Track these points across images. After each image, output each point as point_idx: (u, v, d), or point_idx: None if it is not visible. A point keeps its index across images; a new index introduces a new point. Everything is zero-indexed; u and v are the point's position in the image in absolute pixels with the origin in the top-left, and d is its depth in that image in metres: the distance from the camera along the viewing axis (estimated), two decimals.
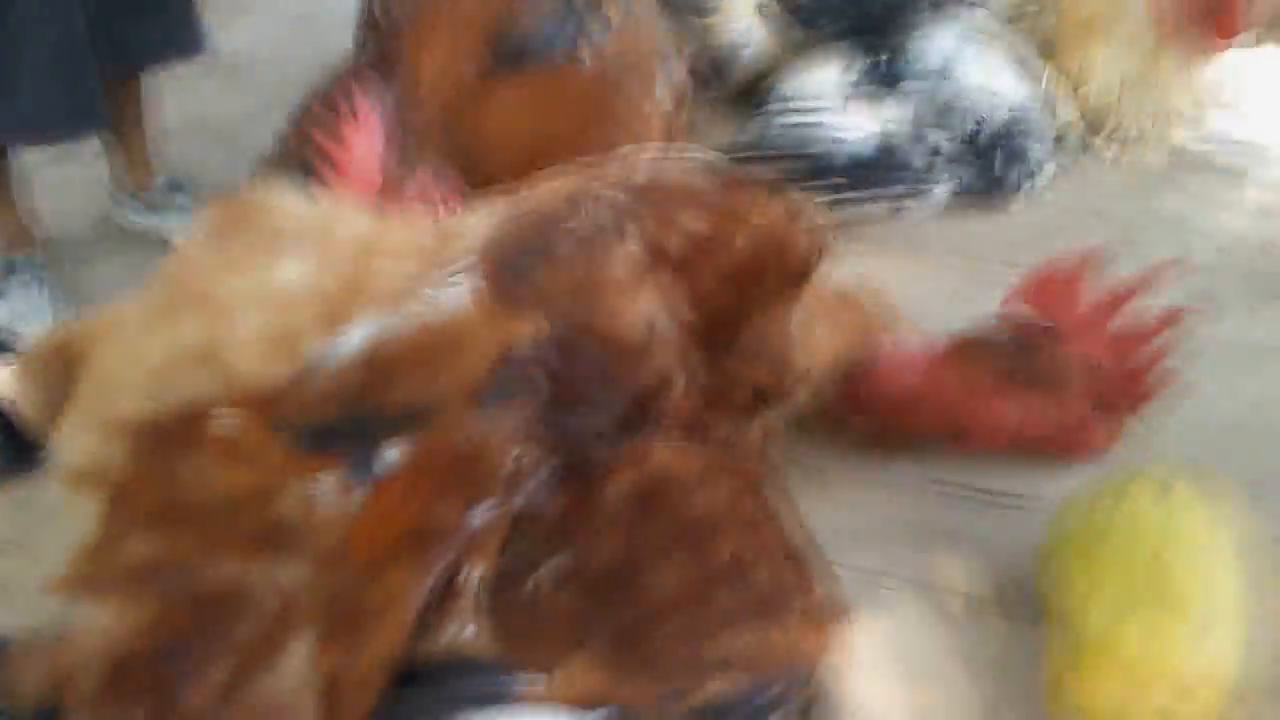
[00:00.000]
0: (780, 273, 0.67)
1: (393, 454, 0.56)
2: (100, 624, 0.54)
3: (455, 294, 0.58)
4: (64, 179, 2.92)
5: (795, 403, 0.69)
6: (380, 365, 0.57)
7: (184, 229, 2.39)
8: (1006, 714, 0.59)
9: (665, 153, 0.77)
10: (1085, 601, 0.56)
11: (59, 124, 2.21)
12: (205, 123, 3.13)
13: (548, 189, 0.67)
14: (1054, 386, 0.68)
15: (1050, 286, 0.68)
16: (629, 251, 0.62)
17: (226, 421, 0.56)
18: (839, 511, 0.68)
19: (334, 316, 0.58)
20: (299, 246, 0.61)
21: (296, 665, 0.54)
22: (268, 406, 0.56)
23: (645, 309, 0.61)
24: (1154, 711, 0.54)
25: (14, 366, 0.73)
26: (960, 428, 0.70)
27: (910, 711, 0.60)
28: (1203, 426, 0.73)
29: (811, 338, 0.70)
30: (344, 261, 0.60)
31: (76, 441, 0.59)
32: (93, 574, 0.56)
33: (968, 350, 0.70)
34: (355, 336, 0.57)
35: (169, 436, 0.56)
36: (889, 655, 0.61)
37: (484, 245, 0.60)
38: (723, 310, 0.65)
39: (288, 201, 0.69)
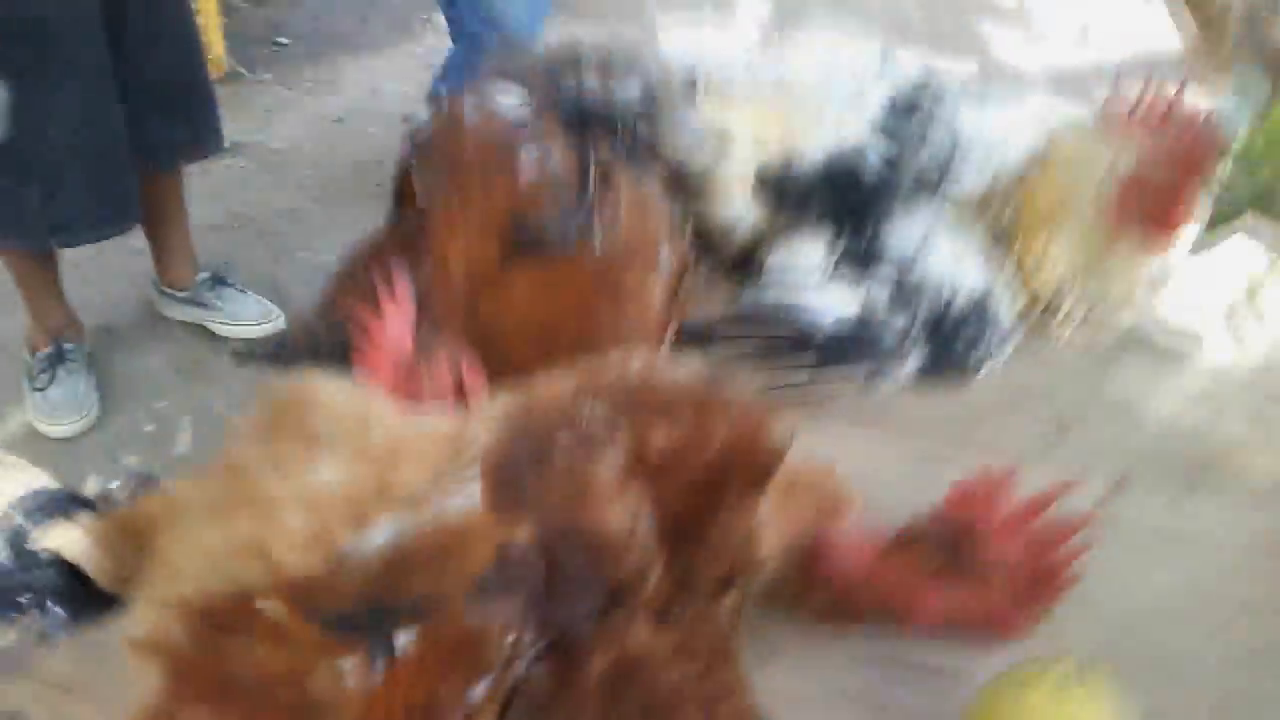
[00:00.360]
0: (747, 477, 0.78)
1: (406, 638, 0.66)
2: None
3: (462, 500, 0.70)
4: (109, 268, 3.09)
5: (755, 583, 0.79)
6: (397, 561, 0.68)
7: (227, 324, 2.56)
8: None
9: (653, 359, 0.88)
10: None
11: (96, 226, 2.38)
12: (249, 218, 3.30)
13: (546, 395, 0.78)
14: (978, 579, 0.78)
15: (976, 494, 0.78)
16: (613, 461, 0.73)
17: (270, 608, 0.67)
18: (790, 679, 0.78)
19: (361, 518, 0.69)
20: (335, 450, 0.73)
21: None
22: (305, 595, 0.67)
23: (626, 512, 0.72)
24: None
25: (87, 531, 0.85)
26: (899, 610, 0.80)
27: None
28: (1117, 611, 0.83)
29: (771, 525, 0.81)
30: (373, 466, 0.72)
31: (143, 616, 0.71)
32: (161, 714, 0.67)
33: (907, 542, 0.80)
34: (378, 536, 0.69)
35: (221, 618, 0.67)
36: None
37: (487, 456, 0.71)
38: (694, 509, 0.76)
39: (327, 395, 0.81)
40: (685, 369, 0.82)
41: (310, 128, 3.87)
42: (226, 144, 3.05)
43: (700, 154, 1.16)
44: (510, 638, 0.67)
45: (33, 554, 0.86)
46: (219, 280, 2.59)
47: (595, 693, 0.69)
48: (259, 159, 3.57)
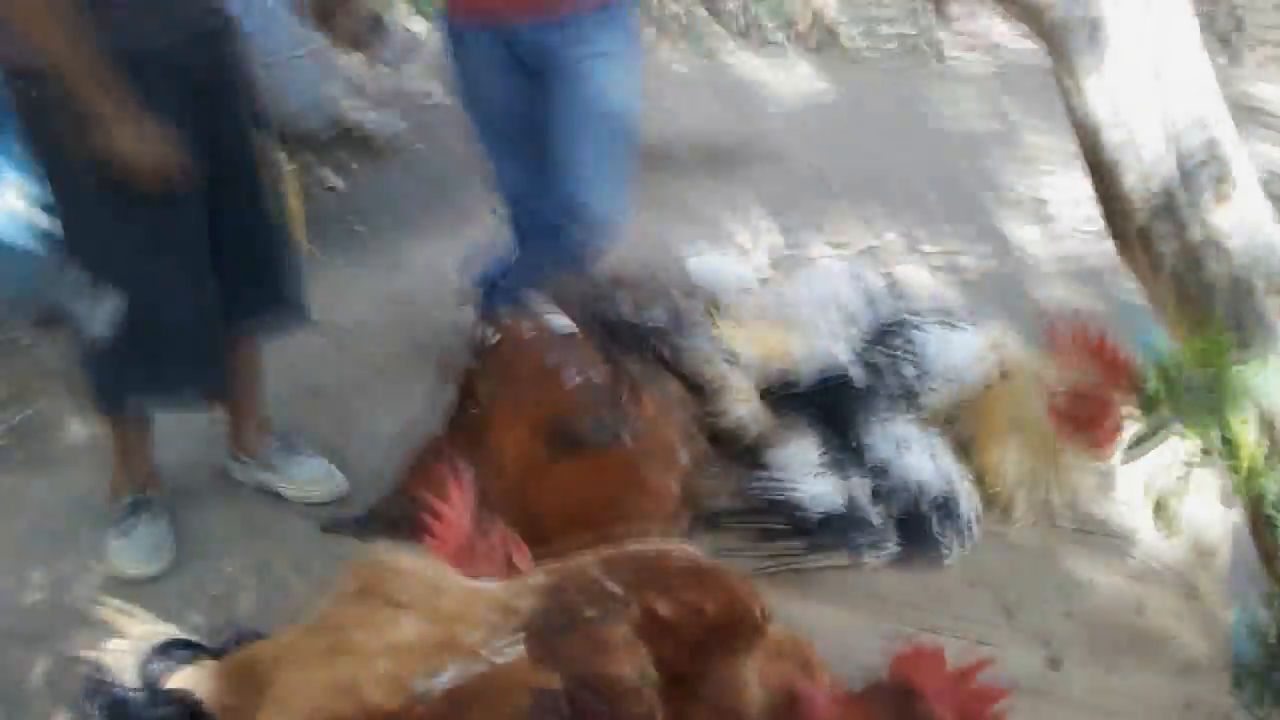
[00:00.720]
0: (735, 642, 0.97)
1: None
2: None
3: (509, 654, 0.90)
4: (183, 429, 3.38)
5: None
6: (458, 700, 0.88)
7: (293, 489, 2.79)
8: None
9: (663, 541, 1.09)
10: None
11: (189, 394, 2.66)
12: (319, 391, 3.60)
13: (575, 571, 0.99)
14: None
15: (920, 660, 0.97)
16: (625, 626, 0.93)
17: None
18: None
19: (432, 665, 0.90)
20: (411, 611, 0.94)
21: None
22: None
23: (635, 666, 0.92)
24: None
25: (206, 671, 1.06)
26: None
27: None
28: None
29: (756, 682, 1.00)
30: (441, 625, 0.93)
31: None
32: None
33: (864, 697, 0.99)
34: (443, 679, 0.89)
35: None
36: None
37: (528, 621, 0.92)
38: (692, 664, 0.96)
39: (405, 564, 1.02)
40: (688, 550, 1.03)
41: (377, 307, 4.19)
42: None
43: (714, 369, 1.39)
44: None
45: (162, 692, 1.08)
46: (287, 446, 2.77)
47: None
48: (330, 336, 3.87)
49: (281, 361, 3.65)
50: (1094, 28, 1.37)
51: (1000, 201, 5.07)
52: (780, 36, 7.83)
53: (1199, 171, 1.37)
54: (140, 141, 2.15)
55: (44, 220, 3.29)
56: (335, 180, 5.20)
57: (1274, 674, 1.30)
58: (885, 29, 8.55)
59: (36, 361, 3.69)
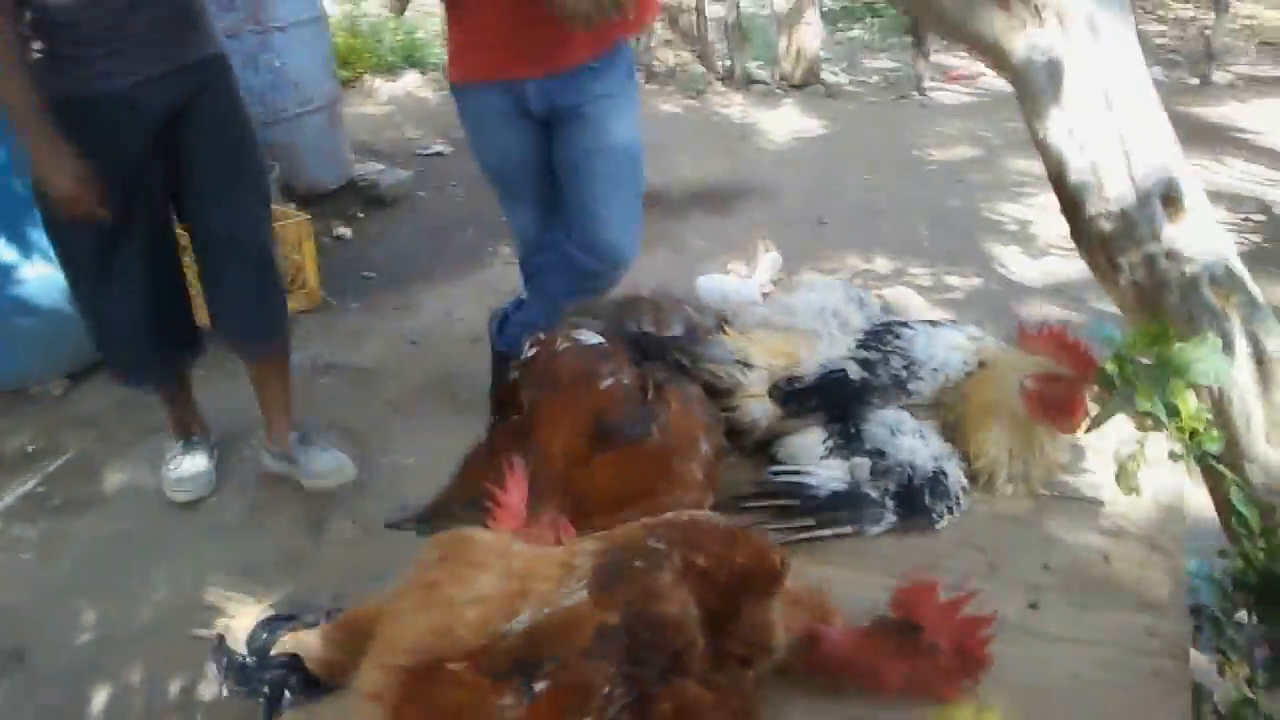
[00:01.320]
0: (758, 588, 1.15)
1: (542, 685, 1.03)
2: None
3: (575, 598, 1.08)
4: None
5: (769, 662, 1.16)
6: (534, 636, 1.06)
7: (308, 478, 3.23)
8: None
9: (696, 511, 1.28)
10: None
11: (149, 372, 3.21)
12: (341, 427, 3.81)
13: (625, 533, 1.18)
14: (922, 657, 1.15)
15: (917, 594, 1.16)
16: (670, 574, 1.11)
17: (457, 668, 1.04)
18: None
19: (511, 610, 1.08)
20: (489, 569, 1.13)
21: None
22: (479, 660, 1.05)
23: (680, 606, 1.10)
24: None
25: (317, 635, 1.24)
26: (869, 680, 1.16)
27: None
28: (1025, 688, 1.18)
29: (780, 624, 1.18)
30: (515, 580, 1.11)
31: (369, 678, 1.09)
32: None
33: (872, 632, 1.17)
34: (522, 620, 1.07)
35: (425, 675, 1.05)
36: None
37: (591, 571, 1.10)
38: (725, 605, 1.14)
39: (479, 535, 1.21)
40: (716, 516, 1.22)
41: (392, 348, 4.39)
42: (322, 363, 3.68)
43: (727, 372, 1.58)
44: (606, 688, 1.04)
45: (269, 656, 1.26)
46: (306, 441, 3.23)
47: None
48: (348, 377, 4.07)
49: (306, 402, 3.86)
50: (1052, 67, 1.58)
51: (983, 224, 5.31)
52: (766, 76, 8.10)
53: (1152, 190, 1.57)
54: (56, 173, 2.47)
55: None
56: (344, 230, 5.43)
57: (1230, 618, 1.48)
58: (867, 64, 8.85)
59: (69, 412, 3.90)
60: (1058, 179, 1.59)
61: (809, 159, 6.65)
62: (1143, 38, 1.77)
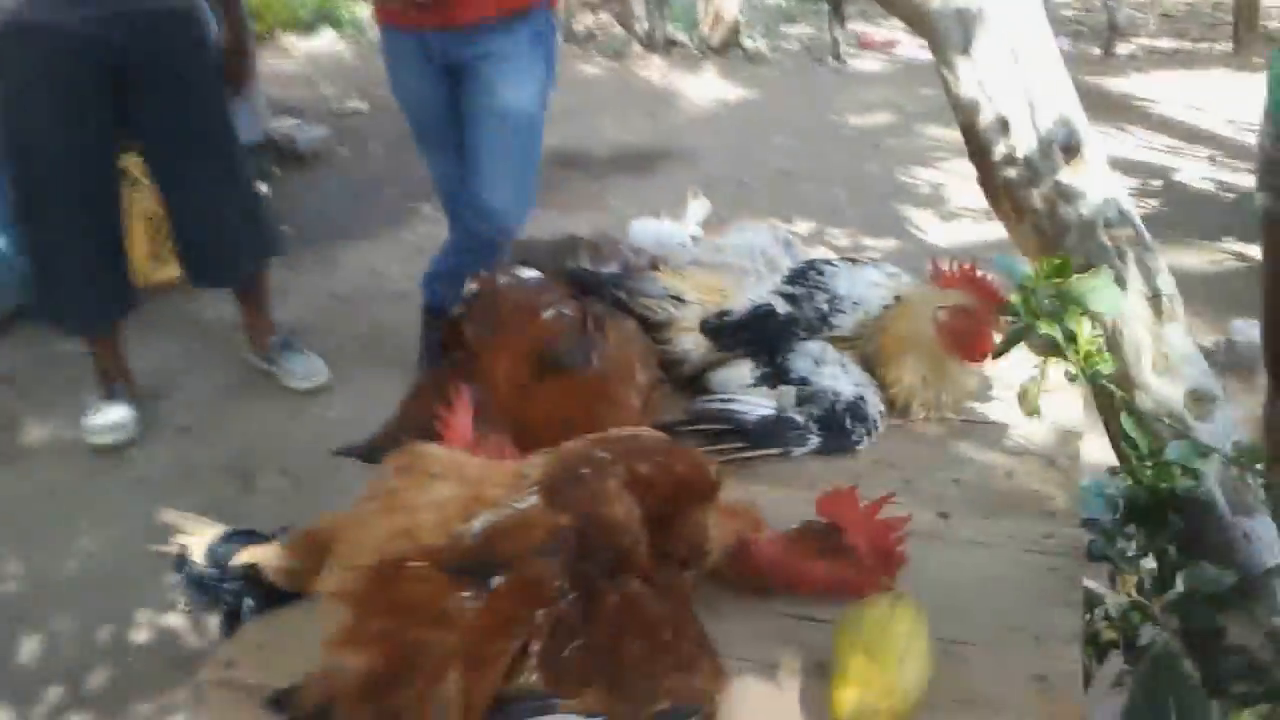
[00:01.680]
0: (696, 495, 1.25)
1: (498, 581, 1.11)
2: (351, 666, 1.09)
3: (528, 503, 1.16)
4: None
5: (704, 565, 1.26)
6: (490, 537, 1.14)
7: (287, 378, 3.39)
8: None
9: (636, 430, 1.37)
10: (842, 655, 1.12)
11: (83, 319, 3.30)
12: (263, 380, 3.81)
13: (572, 447, 1.26)
14: (843, 558, 1.26)
15: (837, 500, 1.27)
16: (615, 480, 1.20)
17: (416, 566, 1.12)
18: (722, 624, 1.22)
19: (468, 513, 1.15)
20: (446, 478, 1.20)
21: (451, 687, 1.08)
22: (436, 558, 1.12)
23: (624, 509, 1.18)
24: (871, 711, 1.09)
25: (278, 546, 1.30)
26: (794, 581, 1.27)
27: None
28: (936, 585, 1.29)
29: (714, 532, 1.28)
30: (471, 487, 1.19)
31: (333, 579, 1.16)
32: (345, 640, 1.10)
33: (796, 538, 1.28)
34: (478, 524, 1.15)
35: (387, 573, 1.12)
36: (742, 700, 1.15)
37: (542, 479, 1.19)
38: (667, 511, 1.23)
39: (435, 449, 1.28)
40: (655, 432, 1.31)
41: (316, 305, 4.39)
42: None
43: (661, 309, 1.67)
44: (557, 582, 1.12)
45: (229, 568, 1.31)
46: (286, 345, 3.55)
47: (608, 618, 1.14)
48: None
49: (228, 354, 3.87)
50: (963, 18, 1.69)
51: (898, 189, 5.48)
52: (687, 40, 8.18)
53: (1054, 139, 1.69)
54: None
55: None
56: (261, 187, 5.37)
57: (1121, 531, 1.62)
58: (786, 31, 8.97)
59: None
60: (968, 128, 1.71)
61: (729, 123, 6.76)
62: (1050, 9, 1.89)
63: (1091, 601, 1.56)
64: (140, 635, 2.65)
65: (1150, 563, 1.62)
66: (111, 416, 3.25)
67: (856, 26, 8.73)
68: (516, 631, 1.11)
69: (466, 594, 1.11)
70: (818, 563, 1.26)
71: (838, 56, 8.02)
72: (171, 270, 3.92)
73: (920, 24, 1.74)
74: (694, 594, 1.23)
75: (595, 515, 1.16)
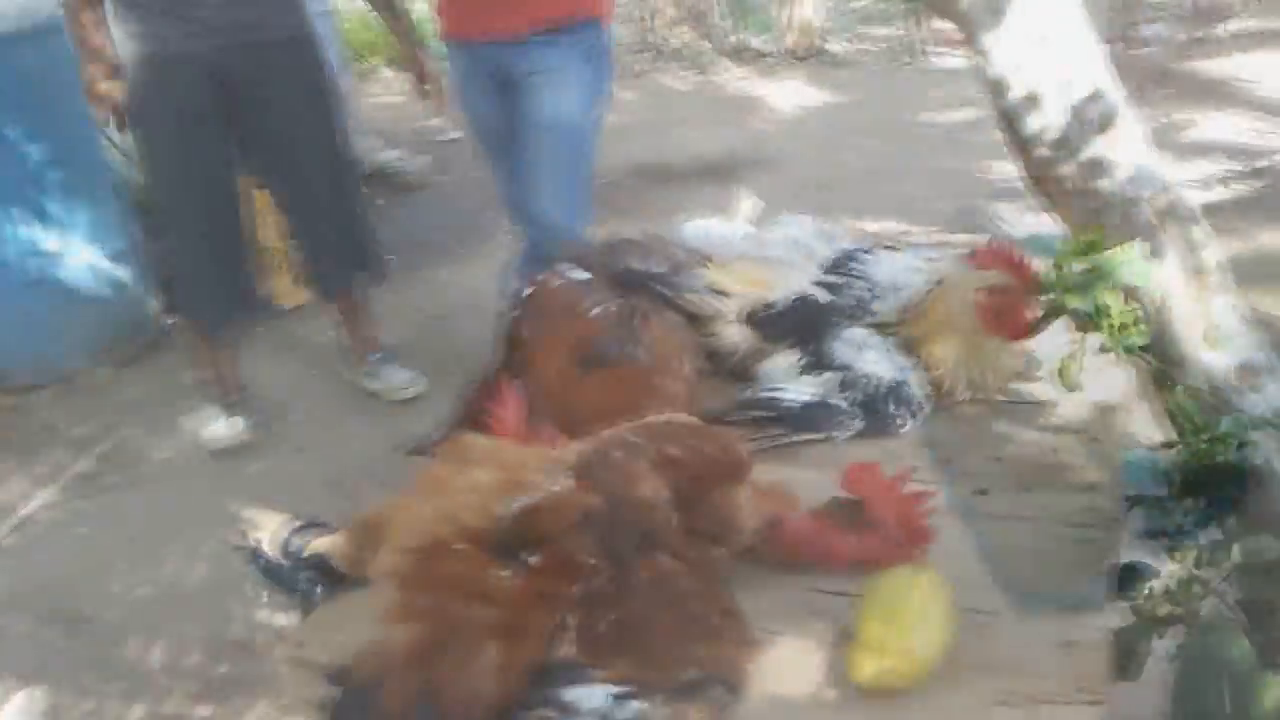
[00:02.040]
0: (725, 475, 1.30)
1: (535, 558, 1.19)
2: (399, 639, 1.17)
3: (562, 485, 1.23)
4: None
5: (737, 542, 1.31)
6: (527, 517, 1.21)
7: (386, 391, 3.66)
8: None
9: (670, 416, 1.43)
10: (862, 622, 1.16)
11: (207, 321, 3.54)
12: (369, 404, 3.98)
13: (605, 435, 1.33)
14: (871, 532, 1.29)
15: (864, 474, 1.30)
16: (645, 462, 1.26)
17: (460, 547, 1.20)
18: (756, 599, 1.27)
19: (506, 497, 1.23)
20: (487, 465, 1.28)
21: (491, 657, 1.15)
22: (479, 537, 1.20)
23: (654, 490, 1.25)
24: (889, 672, 1.13)
25: (333, 535, 1.40)
26: (823, 557, 1.31)
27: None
28: (962, 554, 1.32)
29: (747, 511, 1.33)
30: (509, 471, 1.26)
31: (383, 561, 1.25)
32: (394, 616, 1.19)
33: (825, 514, 1.32)
34: (516, 505, 1.22)
35: (431, 554, 1.21)
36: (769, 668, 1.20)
37: (575, 463, 1.26)
38: (696, 490, 1.28)
39: (481, 442, 1.36)
40: (688, 416, 1.37)
41: (417, 326, 4.56)
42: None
43: (705, 301, 1.73)
44: (590, 559, 1.19)
45: (300, 556, 1.42)
46: (384, 359, 3.74)
47: (639, 592, 1.20)
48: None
49: (331, 375, 4.05)
50: (993, 7, 1.72)
51: (979, 185, 5.41)
52: (768, 48, 8.21)
53: (1086, 110, 1.71)
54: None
55: (119, 268, 3.90)
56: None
57: (1179, 504, 1.61)
58: (868, 33, 8.92)
59: (115, 398, 4.11)
60: (1000, 104, 1.73)
61: (811, 128, 6.76)
62: None
63: (1140, 575, 1.55)
64: (259, 635, 2.80)
65: (1207, 535, 1.61)
66: (225, 427, 3.47)
67: (940, 24, 8.62)
68: (552, 606, 1.18)
69: (505, 571, 1.18)
70: (847, 537, 1.30)
71: (920, 55, 7.95)
72: (300, 295, 4.18)
73: (953, 13, 1.77)
74: (728, 570, 1.28)
75: (625, 495, 1.23)
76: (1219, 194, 5.02)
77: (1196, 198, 1.68)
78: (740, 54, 8.23)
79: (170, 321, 3.72)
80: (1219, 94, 6.33)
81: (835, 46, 8.37)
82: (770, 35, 8.40)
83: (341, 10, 5.89)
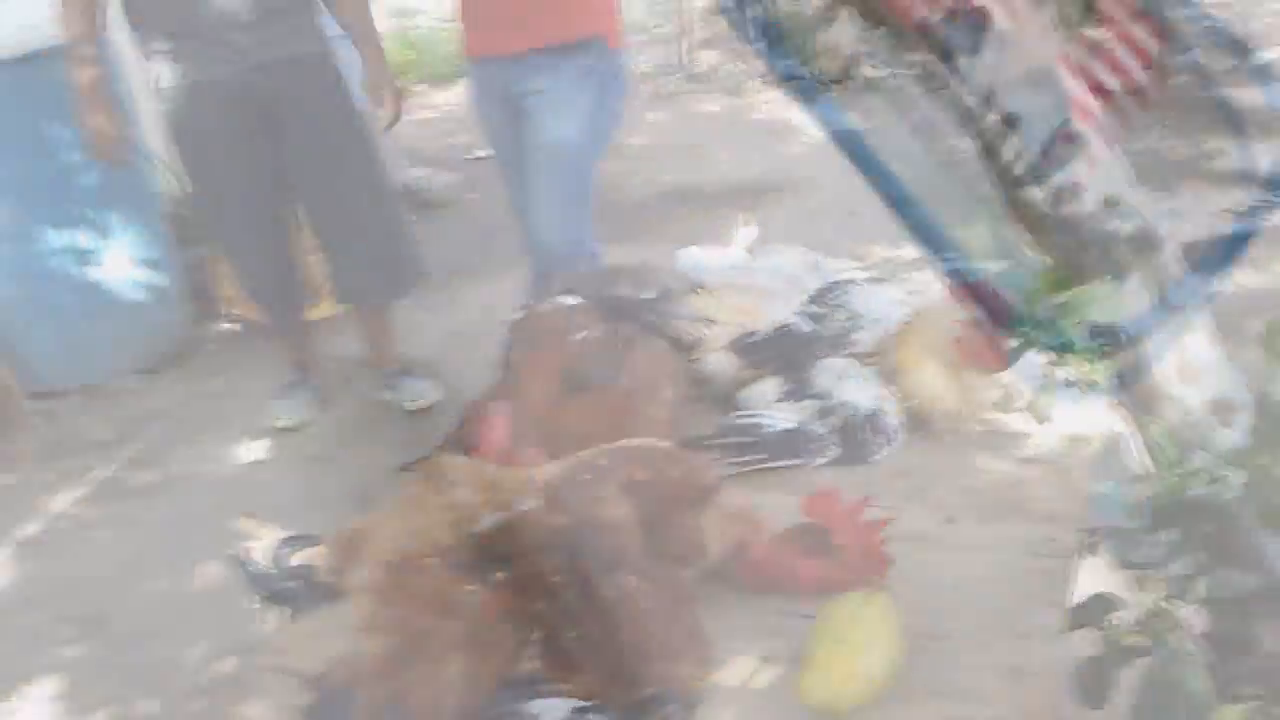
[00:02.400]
0: (694, 495, 1.35)
1: (501, 575, 1.24)
2: (369, 650, 1.23)
3: (530, 505, 1.29)
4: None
5: (702, 564, 1.36)
6: (494, 536, 1.27)
7: (401, 401, 3.62)
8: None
9: (642, 441, 1.48)
10: (817, 645, 1.21)
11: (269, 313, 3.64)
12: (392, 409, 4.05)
13: (578, 457, 1.38)
14: (832, 556, 1.34)
15: (822, 502, 1.35)
16: (613, 485, 1.31)
17: (431, 562, 1.26)
18: (721, 619, 1.33)
19: (477, 516, 1.29)
20: (462, 484, 1.34)
21: (456, 668, 1.21)
22: (448, 554, 1.26)
23: (621, 511, 1.30)
24: (836, 695, 1.17)
25: (320, 547, 1.47)
26: (787, 580, 1.36)
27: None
28: (923, 582, 1.36)
29: (713, 532, 1.38)
30: (482, 491, 1.32)
31: (361, 575, 1.31)
32: (365, 627, 1.25)
33: (790, 539, 1.37)
34: (486, 523, 1.28)
35: (404, 569, 1.27)
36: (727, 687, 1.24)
37: (545, 484, 1.31)
38: (663, 513, 1.34)
39: (459, 463, 1.42)
40: (657, 442, 1.42)
41: (441, 343, 4.63)
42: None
43: (692, 329, 1.78)
44: (555, 577, 1.25)
45: (288, 567, 1.49)
46: (403, 371, 3.78)
47: (602, 610, 1.25)
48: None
49: (358, 394, 4.13)
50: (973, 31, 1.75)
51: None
52: (805, 73, 8.24)
53: (1053, 137, 1.73)
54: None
55: (152, 276, 4.03)
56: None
57: (1149, 537, 1.63)
58: (904, 56, 8.92)
59: (143, 405, 4.21)
60: (978, 130, 1.77)
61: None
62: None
63: (1106, 606, 1.58)
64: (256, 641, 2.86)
65: (1178, 568, 1.63)
66: (290, 402, 3.65)
67: None
68: (517, 621, 1.24)
69: (472, 587, 1.24)
70: (808, 562, 1.35)
71: None
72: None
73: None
74: (697, 591, 1.33)
75: (591, 516, 1.28)
76: (1251, 223, 4.98)
77: (1225, 228, 1.70)
78: (772, 78, 8.27)
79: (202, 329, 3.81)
80: (1254, 123, 6.28)
81: (872, 71, 8.39)
82: (805, 59, 8.44)
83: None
